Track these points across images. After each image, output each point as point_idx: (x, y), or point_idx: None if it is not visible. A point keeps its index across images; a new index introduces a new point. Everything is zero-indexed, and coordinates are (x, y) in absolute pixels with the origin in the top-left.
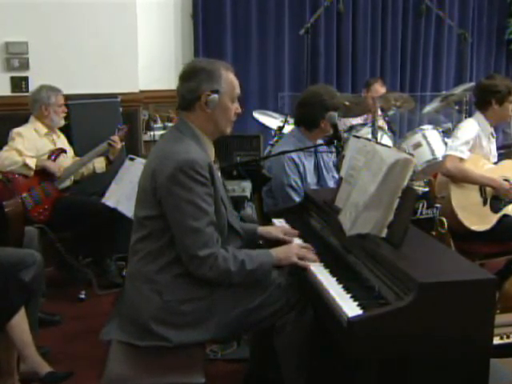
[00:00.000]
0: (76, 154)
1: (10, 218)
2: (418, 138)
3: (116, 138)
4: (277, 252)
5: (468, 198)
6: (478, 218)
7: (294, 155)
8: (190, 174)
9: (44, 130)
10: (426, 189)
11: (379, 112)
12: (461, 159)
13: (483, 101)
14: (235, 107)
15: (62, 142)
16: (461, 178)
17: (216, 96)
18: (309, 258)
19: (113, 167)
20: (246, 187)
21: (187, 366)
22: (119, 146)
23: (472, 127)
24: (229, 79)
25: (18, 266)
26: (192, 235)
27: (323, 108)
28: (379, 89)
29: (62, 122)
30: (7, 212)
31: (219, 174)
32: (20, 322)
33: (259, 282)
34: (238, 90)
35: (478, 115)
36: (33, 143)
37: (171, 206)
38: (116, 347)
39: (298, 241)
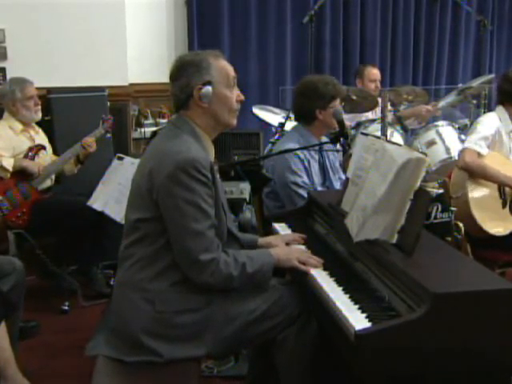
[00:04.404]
0: (57, 151)
1: None
2: (431, 135)
3: (90, 140)
4: (277, 252)
5: (486, 198)
6: (497, 221)
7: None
8: (192, 173)
9: (19, 126)
10: (441, 190)
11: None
12: (479, 154)
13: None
14: (235, 94)
15: (42, 137)
16: (479, 174)
17: (209, 88)
18: (310, 263)
19: (100, 166)
20: (244, 189)
21: (180, 383)
22: (93, 149)
23: (492, 122)
24: (219, 66)
25: None
26: (193, 238)
27: (316, 96)
28: (373, 71)
29: (37, 117)
30: None
31: (218, 176)
32: (0, 338)
33: (259, 285)
34: (233, 74)
35: (501, 110)
36: (8, 142)
37: (170, 207)
38: (103, 363)
39: (301, 247)
